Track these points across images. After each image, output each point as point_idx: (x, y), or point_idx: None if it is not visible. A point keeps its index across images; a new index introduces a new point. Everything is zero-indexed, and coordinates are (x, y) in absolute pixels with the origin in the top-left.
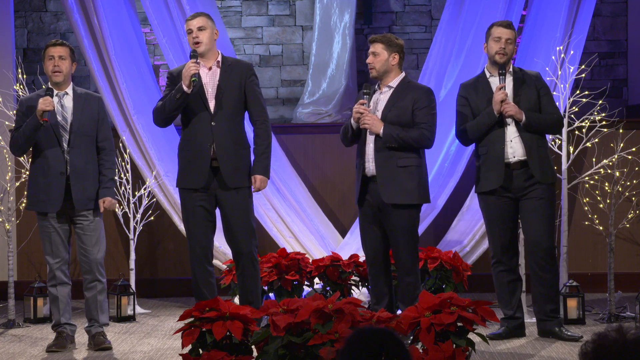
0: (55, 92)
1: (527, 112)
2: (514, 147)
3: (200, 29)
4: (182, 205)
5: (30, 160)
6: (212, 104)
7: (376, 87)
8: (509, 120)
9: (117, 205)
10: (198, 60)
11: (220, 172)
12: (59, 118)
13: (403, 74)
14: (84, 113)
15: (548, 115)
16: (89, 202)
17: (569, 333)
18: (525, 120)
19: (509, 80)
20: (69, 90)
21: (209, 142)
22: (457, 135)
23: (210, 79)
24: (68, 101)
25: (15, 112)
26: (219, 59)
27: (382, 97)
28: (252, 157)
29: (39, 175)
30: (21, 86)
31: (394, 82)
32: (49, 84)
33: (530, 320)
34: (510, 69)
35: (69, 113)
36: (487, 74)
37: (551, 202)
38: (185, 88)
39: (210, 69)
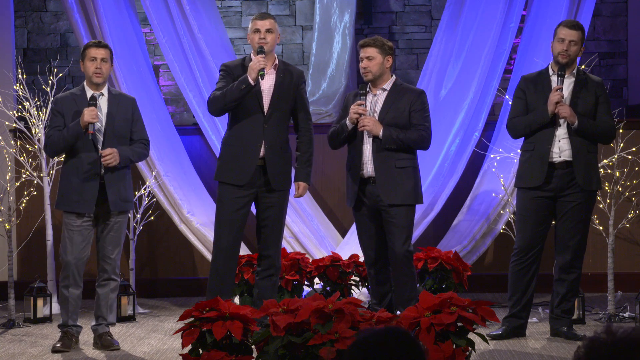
0: (91, 92)
1: (581, 117)
2: (562, 148)
3: (268, 31)
4: (220, 199)
5: (63, 159)
6: (266, 107)
7: (367, 89)
8: (561, 120)
9: (115, 159)
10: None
11: (266, 172)
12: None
13: (394, 77)
14: (118, 114)
15: (601, 124)
16: (123, 204)
17: (575, 333)
18: (578, 125)
19: (570, 82)
20: (105, 91)
21: (259, 142)
22: (508, 126)
23: (267, 81)
24: (103, 102)
25: (49, 110)
26: (276, 62)
27: (377, 100)
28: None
29: (72, 176)
30: (21, 86)
31: (387, 84)
32: (85, 83)
33: (530, 320)
34: (574, 70)
35: (103, 114)
36: (550, 72)
37: (589, 208)
38: (250, 80)
39: (267, 72)
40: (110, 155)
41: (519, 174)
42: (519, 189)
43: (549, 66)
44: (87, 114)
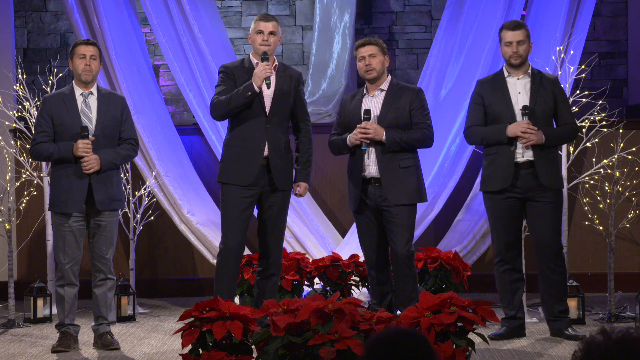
0: (80, 91)
1: (545, 132)
2: (524, 147)
3: (271, 33)
4: (225, 200)
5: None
6: (268, 107)
7: (364, 91)
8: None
9: (93, 167)
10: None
11: (270, 172)
12: (82, 118)
13: (390, 77)
14: (108, 114)
15: (565, 128)
16: (110, 202)
17: (575, 333)
18: (546, 141)
19: (526, 82)
20: (94, 90)
21: (263, 142)
22: (465, 132)
23: None
24: (92, 101)
25: (38, 110)
26: (276, 63)
27: (375, 101)
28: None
29: (62, 177)
30: (21, 86)
31: (385, 85)
32: (74, 82)
33: (530, 320)
34: (529, 70)
35: (93, 114)
36: (505, 73)
37: (559, 205)
38: (255, 88)
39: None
40: (87, 163)
41: (484, 178)
42: (486, 193)
43: (504, 68)
44: (82, 147)
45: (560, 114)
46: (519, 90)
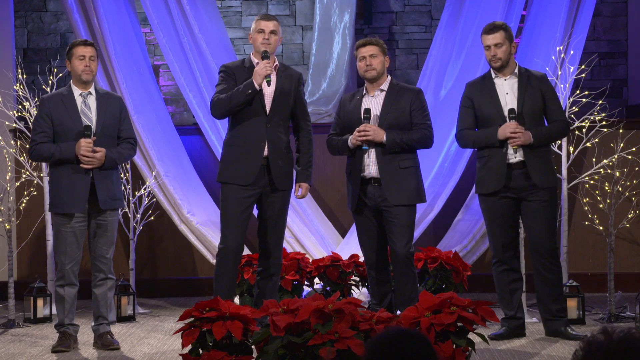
0: (79, 91)
1: (534, 132)
2: (515, 148)
3: (272, 32)
4: (226, 200)
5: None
6: (268, 107)
7: (363, 91)
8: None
9: (93, 165)
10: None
11: (270, 172)
12: (83, 118)
13: (389, 77)
14: (107, 113)
15: (554, 125)
16: (112, 201)
17: (574, 332)
18: (534, 141)
19: (513, 82)
20: (92, 90)
21: (263, 142)
22: (457, 136)
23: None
24: (92, 101)
25: (37, 111)
26: (276, 63)
27: (375, 101)
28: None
29: (63, 177)
30: (21, 86)
31: (385, 85)
32: (71, 82)
33: (530, 320)
34: (516, 70)
35: (93, 114)
36: (493, 75)
37: (553, 204)
38: (256, 85)
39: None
40: (89, 160)
41: (478, 180)
42: (481, 195)
43: (491, 69)
44: (84, 146)
45: (550, 111)
46: (507, 91)
